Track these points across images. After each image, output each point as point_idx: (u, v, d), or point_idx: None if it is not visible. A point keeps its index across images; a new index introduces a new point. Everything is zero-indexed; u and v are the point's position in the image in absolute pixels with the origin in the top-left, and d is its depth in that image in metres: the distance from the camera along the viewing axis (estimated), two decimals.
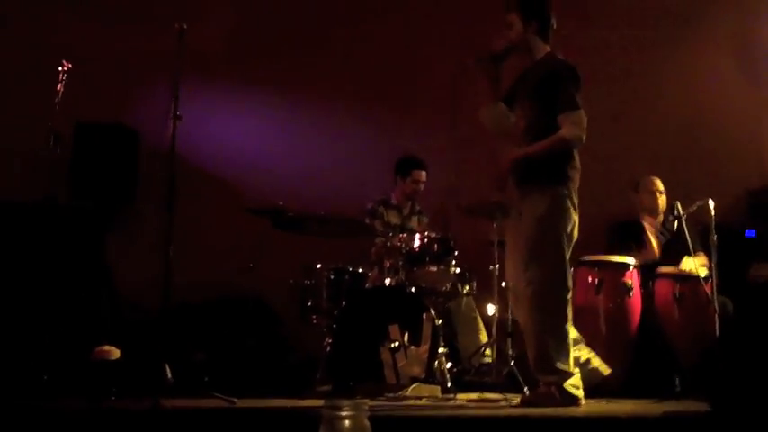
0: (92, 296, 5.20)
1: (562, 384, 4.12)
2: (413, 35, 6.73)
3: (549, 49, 4.36)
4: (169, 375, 4.28)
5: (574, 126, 4.13)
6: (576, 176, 4.27)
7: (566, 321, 4.19)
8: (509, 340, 5.38)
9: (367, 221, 5.60)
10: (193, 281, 5.51)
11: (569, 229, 4.20)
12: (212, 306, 5.68)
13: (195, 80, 4.72)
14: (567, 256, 4.21)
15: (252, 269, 5.08)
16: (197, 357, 5.29)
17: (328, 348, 5.02)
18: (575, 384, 4.16)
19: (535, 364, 4.21)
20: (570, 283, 4.24)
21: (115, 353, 4.77)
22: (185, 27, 4.46)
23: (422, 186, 5.92)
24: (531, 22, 4.30)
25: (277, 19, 6.66)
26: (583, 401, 4.19)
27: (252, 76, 6.48)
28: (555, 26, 4.39)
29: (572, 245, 4.24)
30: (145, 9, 6.49)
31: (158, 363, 4.28)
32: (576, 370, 4.23)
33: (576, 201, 4.23)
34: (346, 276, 5.23)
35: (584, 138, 4.16)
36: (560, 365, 4.12)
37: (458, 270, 5.33)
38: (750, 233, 6.31)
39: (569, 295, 4.22)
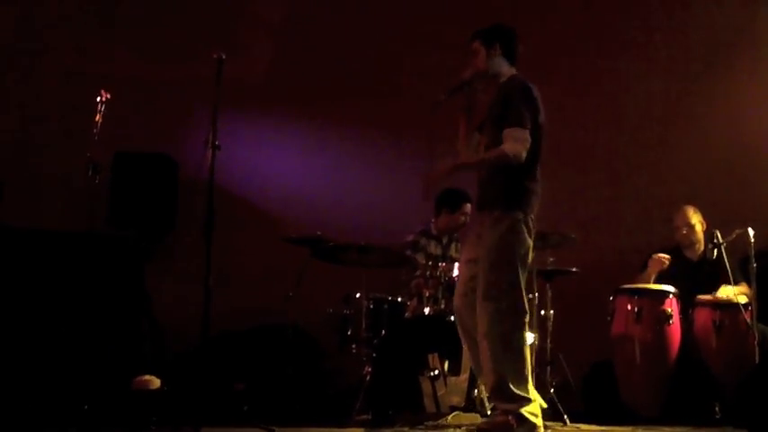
0: (132, 326, 5.21)
1: (520, 411, 4.02)
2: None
3: (514, 71, 4.38)
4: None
5: (515, 142, 4.09)
6: (535, 202, 4.23)
7: (523, 346, 4.11)
8: (549, 369, 5.37)
9: (408, 253, 5.60)
10: (233, 310, 5.54)
11: (524, 254, 4.17)
12: (251, 335, 5.69)
13: (234, 110, 4.77)
14: (524, 281, 4.17)
15: (290, 298, 5.10)
16: (237, 387, 5.30)
17: (368, 378, 5.02)
18: (533, 412, 4.06)
19: (492, 391, 4.12)
20: (527, 308, 4.17)
21: (155, 382, 4.80)
22: (224, 57, 4.49)
23: (469, 219, 5.90)
24: (494, 46, 4.35)
25: (315, 50, 6.72)
26: (541, 430, 4.11)
27: (290, 106, 6.52)
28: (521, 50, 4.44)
29: (527, 269, 4.22)
30: (184, 39, 6.58)
31: (198, 392, 4.30)
32: (536, 396, 4.15)
33: (532, 226, 4.20)
34: (385, 306, 5.24)
35: (524, 155, 4.09)
36: (518, 392, 4.02)
37: None
38: None
39: (526, 319, 4.16)
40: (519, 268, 4.12)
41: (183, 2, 6.81)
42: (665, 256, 5.67)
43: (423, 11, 6.80)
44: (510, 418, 4.02)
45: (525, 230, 4.15)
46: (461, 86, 4.39)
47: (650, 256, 5.78)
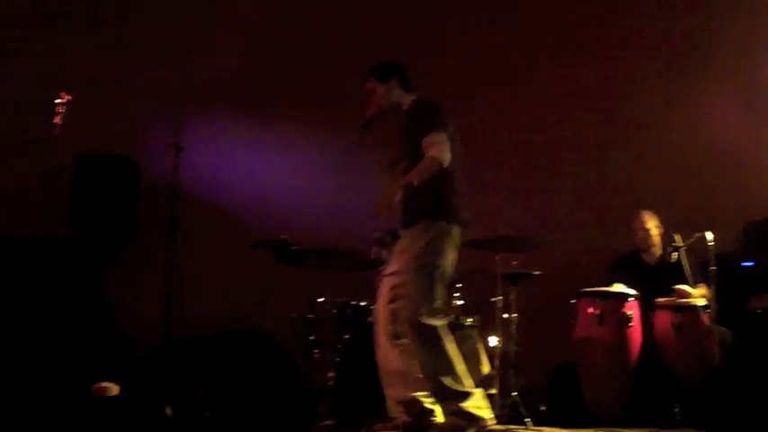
0: (92, 331, 5.14)
1: (465, 409, 4.15)
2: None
3: (414, 96, 4.55)
4: (169, 412, 4.25)
5: (437, 145, 4.21)
6: (461, 215, 4.37)
7: (445, 345, 4.22)
8: (511, 372, 5.39)
9: (374, 252, 5.58)
10: (196, 315, 5.47)
11: (444, 265, 4.30)
12: (215, 340, 5.61)
13: (198, 111, 4.74)
14: (440, 289, 4.29)
15: (259, 303, 5.07)
16: (199, 393, 5.24)
17: (331, 383, 5.00)
18: (477, 405, 4.20)
19: (437, 396, 4.20)
20: (439, 317, 4.29)
21: (114, 389, 4.73)
22: (187, 58, 4.45)
23: None
24: (390, 80, 4.54)
25: (282, 52, 6.68)
26: (489, 421, 4.24)
27: (256, 108, 6.49)
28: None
29: (446, 280, 4.34)
30: (146, 40, 6.48)
31: (159, 399, 4.25)
32: (477, 390, 4.27)
33: (456, 238, 4.33)
34: (349, 310, 5.23)
35: (448, 155, 4.22)
36: (458, 388, 4.16)
37: (461, 302, 5.35)
38: (748, 264, 6.37)
39: (441, 322, 4.28)
40: (435, 276, 4.25)
41: (147, 2, 6.73)
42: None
43: (391, 14, 6.81)
44: (459, 418, 4.13)
45: (449, 242, 4.28)
46: (368, 125, 4.55)
47: (617, 266, 5.93)
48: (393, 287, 4.28)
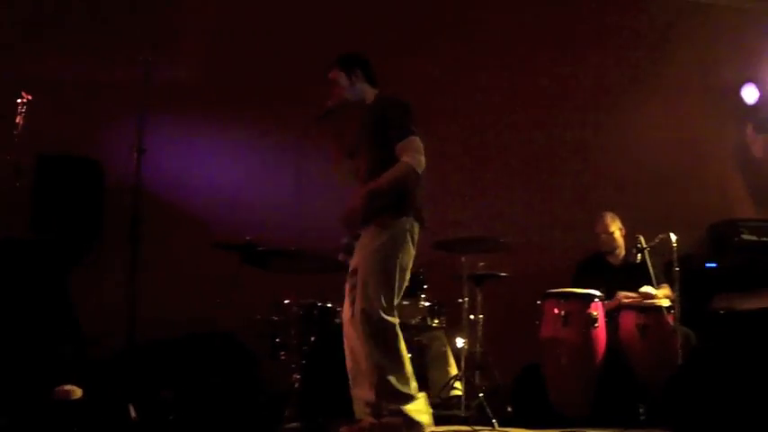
0: (55, 333, 5.07)
1: (406, 411, 4.11)
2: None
3: (377, 91, 4.52)
4: (133, 414, 4.20)
5: (412, 152, 4.19)
6: (422, 211, 4.34)
7: (399, 345, 4.19)
8: (478, 373, 5.41)
9: (342, 257, 5.56)
10: (160, 317, 5.42)
11: (405, 262, 4.26)
12: (180, 343, 5.56)
13: (162, 113, 4.69)
14: (399, 287, 4.24)
15: (221, 305, 5.03)
16: (163, 395, 5.19)
17: (297, 385, 4.98)
18: (419, 409, 4.16)
19: (377, 393, 4.16)
20: (396, 313, 4.25)
21: (77, 392, 4.67)
22: (151, 59, 4.41)
23: None
24: (354, 72, 4.49)
25: (246, 53, 6.62)
26: (428, 427, 4.20)
27: (221, 109, 6.41)
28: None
29: (406, 279, 4.29)
30: (111, 40, 6.39)
31: (123, 402, 4.20)
32: (421, 394, 4.24)
33: (416, 235, 4.29)
34: (315, 312, 5.21)
35: (422, 162, 4.20)
36: (402, 389, 4.13)
37: (428, 304, 5.36)
38: (711, 265, 6.45)
39: (397, 320, 4.23)
40: (396, 274, 4.20)
41: (111, 2, 6.65)
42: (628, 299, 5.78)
43: (356, 14, 6.79)
44: (397, 418, 4.09)
45: (410, 239, 4.25)
46: (327, 114, 4.50)
47: (581, 269, 5.99)
48: (355, 286, 4.27)
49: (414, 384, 4.19)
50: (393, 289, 4.20)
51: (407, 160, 4.16)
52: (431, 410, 4.27)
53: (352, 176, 4.50)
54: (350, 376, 4.33)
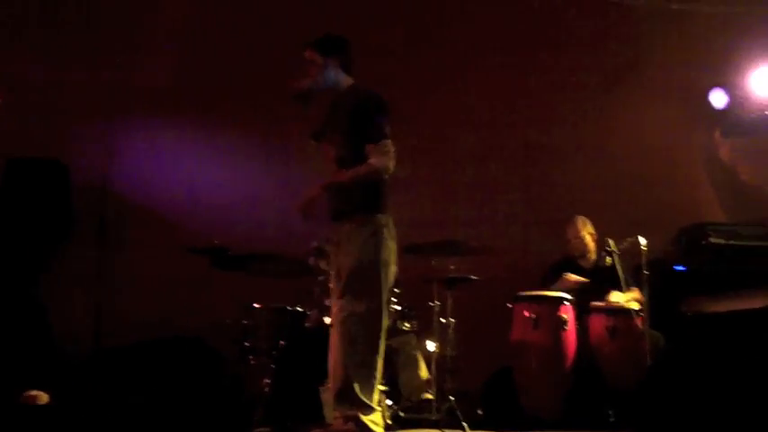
0: (24, 338, 5.03)
1: (362, 420, 4.03)
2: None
3: (351, 80, 4.42)
4: None
5: (382, 155, 4.14)
6: (389, 206, 4.29)
7: (376, 355, 4.12)
8: (448, 376, 5.40)
9: (312, 260, 5.52)
10: (129, 320, 5.40)
11: (388, 259, 4.18)
12: (149, 347, 5.53)
13: (131, 115, 4.67)
14: (386, 287, 4.18)
15: (190, 309, 5.00)
16: (133, 400, 5.16)
17: (267, 389, 4.95)
18: (374, 421, 4.08)
19: (337, 395, 4.09)
20: (386, 316, 4.17)
21: (43, 397, 4.64)
22: (120, 61, 4.37)
23: None
24: (332, 57, 4.37)
25: (217, 56, 6.60)
26: None
27: (192, 112, 6.39)
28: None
29: (391, 275, 4.21)
30: (78, 42, 6.32)
31: (90, 407, 4.17)
32: (379, 408, 4.15)
33: (393, 230, 4.24)
34: (285, 316, 5.18)
35: (392, 166, 4.16)
36: (363, 398, 4.03)
37: (398, 307, 5.35)
38: (680, 269, 6.50)
39: (385, 324, 4.16)
40: (381, 273, 4.13)
41: (82, 5, 6.59)
42: (573, 279, 5.82)
43: (329, 14, 6.78)
44: (350, 423, 4.02)
45: (388, 235, 4.19)
46: (301, 97, 4.39)
47: (551, 272, 6.00)
48: (337, 286, 4.21)
49: (376, 397, 4.12)
50: (380, 288, 4.13)
51: (376, 163, 4.12)
52: (384, 424, 4.21)
53: (321, 158, 4.42)
54: (330, 379, 4.22)
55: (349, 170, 4.18)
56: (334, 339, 4.19)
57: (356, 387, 4.01)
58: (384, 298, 4.15)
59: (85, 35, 6.33)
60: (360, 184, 4.16)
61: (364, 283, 4.10)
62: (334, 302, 4.28)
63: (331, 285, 4.39)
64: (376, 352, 4.11)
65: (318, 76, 4.36)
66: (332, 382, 4.16)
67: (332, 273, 4.38)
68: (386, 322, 4.15)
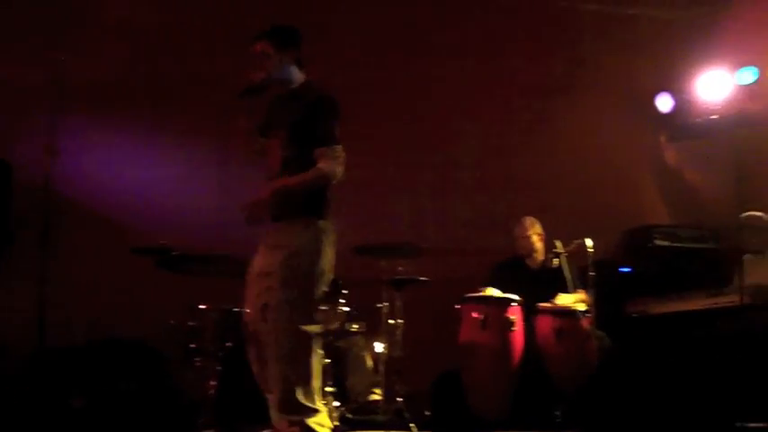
0: None
1: (307, 423, 3.94)
2: None
3: (304, 77, 4.27)
4: None
5: (332, 161, 4.03)
6: (331, 212, 4.19)
7: (314, 357, 4.02)
8: (396, 378, 5.40)
9: None
10: (72, 322, 5.30)
11: (324, 267, 4.09)
12: (92, 349, 5.43)
13: (76, 112, 4.59)
14: (320, 292, 4.09)
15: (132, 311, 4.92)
16: (75, 403, 5.07)
17: (213, 391, 4.89)
18: (320, 423, 3.99)
19: (280, 404, 3.99)
20: (318, 319, 4.07)
21: None
22: (64, 59, 4.28)
23: None
24: (287, 51, 4.20)
25: (164, 54, 6.51)
26: None
27: (138, 110, 6.28)
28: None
29: (325, 283, 4.12)
30: (22, 38, 6.19)
31: (32, 409, 4.09)
32: (323, 408, 4.07)
33: (332, 237, 4.14)
34: (232, 317, 5.11)
35: (340, 172, 4.06)
36: (306, 403, 3.94)
37: (346, 309, 5.34)
38: (625, 270, 6.59)
39: (318, 330, 4.07)
40: (317, 279, 4.05)
41: (23, 1, 6.46)
42: None
43: (276, 12, 6.73)
44: (296, 429, 3.94)
45: (327, 241, 4.09)
46: (251, 91, 4.18)
47: (498, 270, 6.04)
48: (269, 289, 4.05)
49: (319, 397, 4.03)
50: (313, 295, 4.04)
51: (325, 168, 4.01)
52: (331, 425, 4.16)
53: (262, 154, 4.27)
54: (259, 381, 4.15)
55: (294, 172, 4.05)
56: (255, 349, 4.10)
57: (298, 393, 3.92)
58: (316, 301, 4.07)
59: (28, 30, 6.22)
60: (305, 189, 4.04)
61: (299, 289, 3.99)
62: (253, 309, 4.13)
63: (247, 291, 4.20)
64: (311, 356, 4.00)
65: (273, 70, 4.17)
66: (272, 387, 4.03)
67: (252, 273, 4.20)
68: (318, 327, 4.07)
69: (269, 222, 4.14)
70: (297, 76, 4.24)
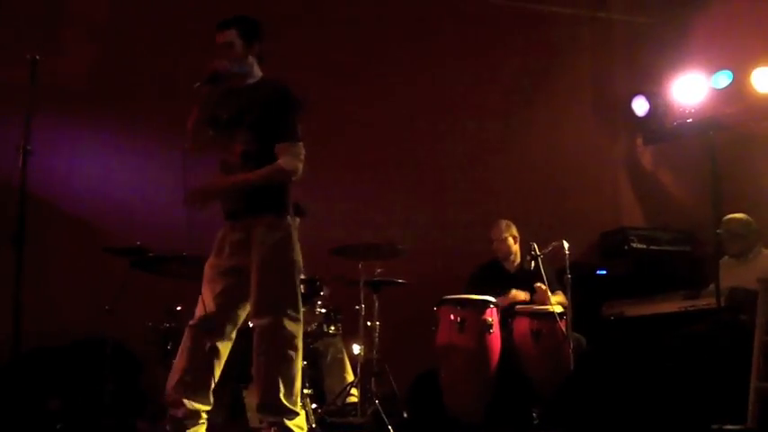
0: None
1: (285, 424, 3.95)
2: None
3: (261, 73, 4.22)
4: None
5: (293, 158, 4.01)
6: (296, 206, 4.21)
7: (298, 358, 4.03)
8: (373, 380, 5.40)
9: None
10: (47, 324, 5.25)
11: (299, 261, 4.09)
12: (68, 351, 5.37)
13: (49, 112, 4.53)
14: (299, 287, 4.11)
15: (109, 311, 4.86)
16: (51, 405, 5.02)
17: None
18: (299, 425, 4.02)
19: (262, 404, 4.01)
20: (301, 316, 4.08)
21: None
22: (38, 58, 4.22)
23: None
24: (251, 44, 4.15)
25: (138, 53, 6.46)
26: None
27: (112, 110, 6.22)
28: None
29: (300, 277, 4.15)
30: None
31: (9, 412, 4.04)
32: (302, 411, 4.11)
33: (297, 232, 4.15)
34: None
35: (301, 169, 4.04)
36: (287, 405, 3.95)
37: (324, 310, 5.33)
38: (602, 272, 6.63)
39: (300, 329, 4.07)
40: (296, 276, 4.04)
41: None
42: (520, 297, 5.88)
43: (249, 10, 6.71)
44: (274, 429, 3.95)
45: (296, 237, 4.08)
46: (215, 80, 4.06)
47: (479, 272, 6.07)
48: (239, 286, 4.05)
49: (299, 401, 4.05)
50: (296, 292, 4.02)
51: (284, 164, 3.98)
52: (306, 425, 4.17)
53: (203, 146, 4.22)
54: (185, 381, 4.05)
55: (254, 167, 4.00)
56: (196, 350, 4.04)
57: (281, 394, 3.93)
58: (299, 298, 4.06)
59: (0, 30, 6.15)
60: (265, 185, 4.01)
61: (280, 287, 3.99)
62: (216, 306, 4.08)
63: (207, 288, 4.14)
64: (296, 357, 4.00)
65: (237, 61, 4.10)
66: (256, 387, 4.05)
67: (215, 270, 4.15)
68: (302, 323, 4.06)
69: (202, 211, 4.09)
70: (256, 70, 4.19)
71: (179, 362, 4.11)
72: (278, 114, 4.04)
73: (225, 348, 4.14)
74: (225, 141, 4.14)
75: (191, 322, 4.13)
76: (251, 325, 4.24)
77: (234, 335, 4.18)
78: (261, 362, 4.00)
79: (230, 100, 4.15)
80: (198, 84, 4.03)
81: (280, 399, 3.92)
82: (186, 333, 4.12)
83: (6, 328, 3.96)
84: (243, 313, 4.15)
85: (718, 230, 5.36)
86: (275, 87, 4.13)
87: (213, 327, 4.08)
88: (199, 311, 4.11)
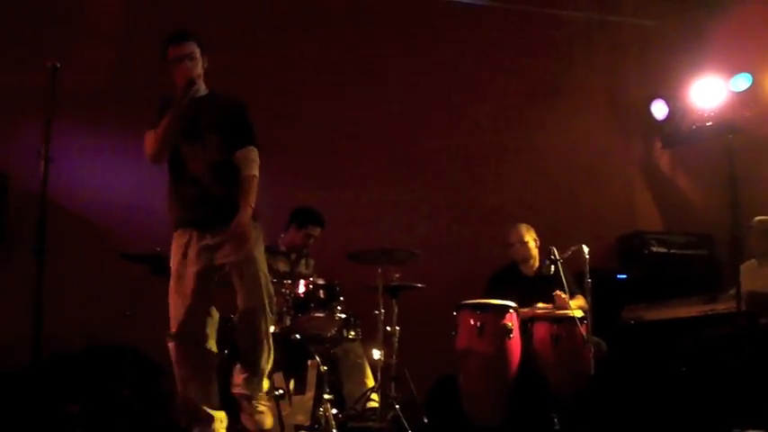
0: None
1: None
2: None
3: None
4: None
5: (254, 163, 4.27)
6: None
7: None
8: (393, 384, 5.39)
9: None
10: (67, 330, 5.27)
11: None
12: (87, 357, 5.41)
13: (69, 120, 4.56)
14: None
15: (128, 317, 4.88)
16: (71, 410, 5.04)
17: None
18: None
19: (253, 389, 4.38)
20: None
21: None
22: (58, 65, 4.26)
23: (312, 241, 5.88)
24: (204, 56, 4.37)
25: (154, 61, 6.43)
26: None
27: (129, 117, 6.21)
28: None
29: None
30: (15, 44, 6.18)
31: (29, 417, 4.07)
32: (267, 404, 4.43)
33: None
34: (228, 324, 5.10)
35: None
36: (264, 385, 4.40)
37: (343, 315, 5.32)
38: (621, 277, 6.60)
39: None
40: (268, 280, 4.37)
41: (15, 7, 6.43)
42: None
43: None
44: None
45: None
46: (189, 87, 4.24)
47: (499, 275, 6.05)
48: (223, 283, 4.33)
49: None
50: (271, 291, 4.37)
51: (254, 173, 4.23)
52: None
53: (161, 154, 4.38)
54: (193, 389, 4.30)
55: (226, 176, 4.23)
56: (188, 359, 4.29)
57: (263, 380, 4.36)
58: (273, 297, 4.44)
59: (21, 37, 6.20)
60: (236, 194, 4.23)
61: (262, 284, 4.30)
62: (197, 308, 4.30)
63: (182, 289, 4.32)
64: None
65: (198, 74, 4.31)
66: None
67: (193, 271, 4.31)
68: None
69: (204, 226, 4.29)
70: (203, 83, 4.40)
71: (179, 371, 4.33)
72: (240, 122, 4.32)
73: (213, 346, 4.43)
74: (187, 150, 4.31)
75: (172, 332, 4.33)
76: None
77: (215, 330, 4.43)
78: (257, 354, 4.35)
79: (189, 110, 4.31)
80: (184, 96, 4.23)
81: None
82: (171, 346, 4.33)
83: (26, 333, 3.99)
84: (216, 313, 4.43)
85: (750, 223, 5.34)
86: (230, 98, 4.41)
87: (195, 334, 4.33)
88: (174, 323, 4.33)
